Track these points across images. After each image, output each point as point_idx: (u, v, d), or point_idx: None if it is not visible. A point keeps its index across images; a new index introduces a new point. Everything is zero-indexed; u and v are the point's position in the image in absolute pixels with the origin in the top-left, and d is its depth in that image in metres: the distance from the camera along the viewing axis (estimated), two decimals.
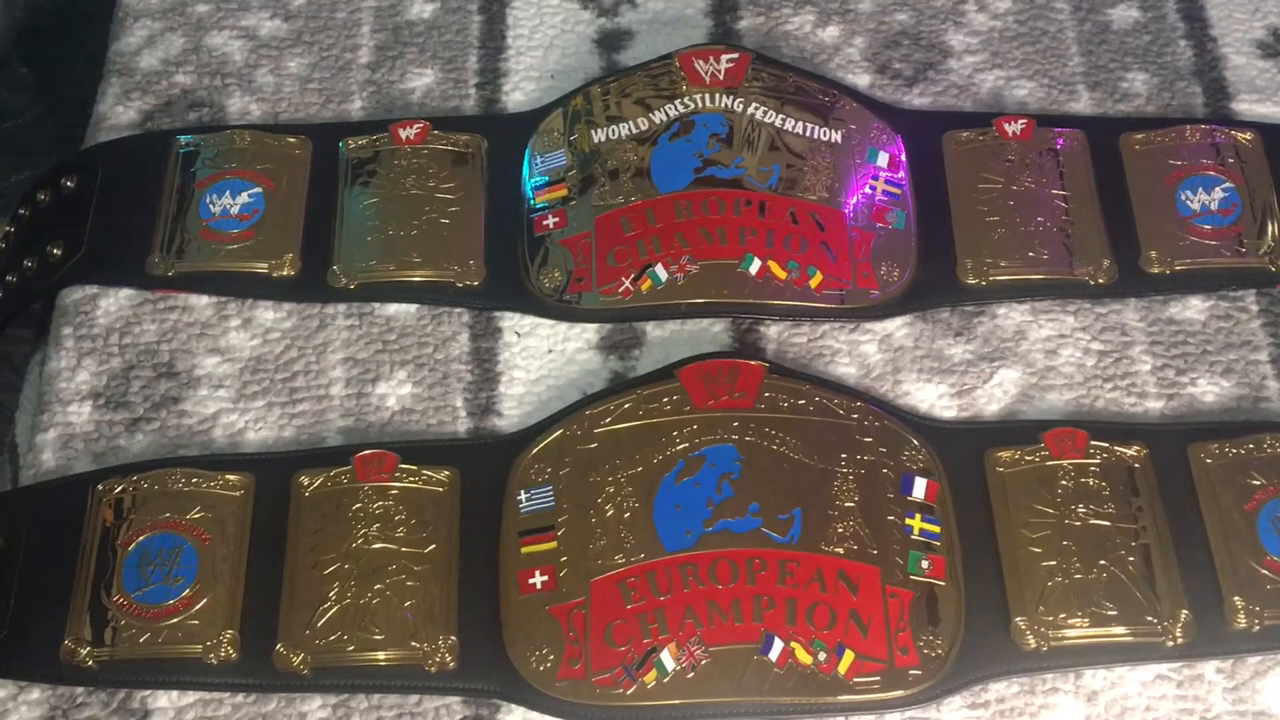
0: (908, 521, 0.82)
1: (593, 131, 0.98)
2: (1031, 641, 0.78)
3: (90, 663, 0.79)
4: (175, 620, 0.80)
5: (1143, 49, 1.04)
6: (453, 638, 0.79)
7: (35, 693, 0.80)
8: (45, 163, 1.02)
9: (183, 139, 0.98)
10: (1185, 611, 0.79)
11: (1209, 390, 0.89)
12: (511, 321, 0.93)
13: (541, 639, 0.79)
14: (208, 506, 0.83)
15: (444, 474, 0.84)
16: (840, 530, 0.81)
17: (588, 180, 0.96)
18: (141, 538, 0.82)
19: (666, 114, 0.98)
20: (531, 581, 0.80)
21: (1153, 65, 1.03)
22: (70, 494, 0.84)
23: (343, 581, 0.80)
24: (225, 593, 0.80)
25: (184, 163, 0.97)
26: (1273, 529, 0.81)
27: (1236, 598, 0.79)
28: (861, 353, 0.91)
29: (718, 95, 0.98)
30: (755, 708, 0.77)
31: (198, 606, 0.80)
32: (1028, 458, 0.84)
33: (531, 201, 0.96)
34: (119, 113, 1.02)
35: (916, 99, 1.02)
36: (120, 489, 0.84)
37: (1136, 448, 0.84)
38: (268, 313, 0.93)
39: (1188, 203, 0.94)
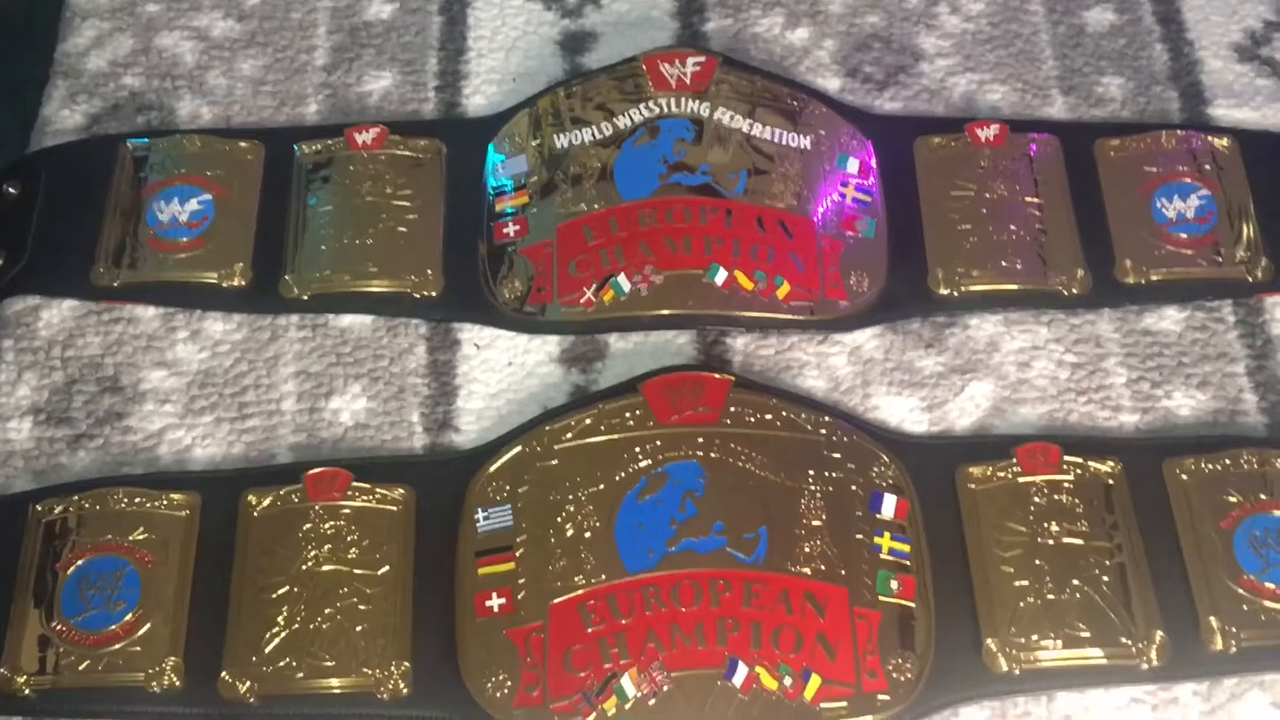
0: (876, 540, 0.80)
1: (556, 136, 0.95)
2: (1003, 664, 0.76)
3: (28, 691, 0.76)
4: (117, 647, 0.77)
5: (1118, 53, 1.02)
6: (406, 664, 0.76)
7: None
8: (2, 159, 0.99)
9: (131, 143, 0.95)
10: (1160, 633, 0.77)
11: (1185, 404, 0.87)
12: (470, 333, 0.90)
13: (498, 664, 0.76)
14: (151, 527, 0.80)
15: (398, 492, 0.82)
16: (807, 550, 0.79)
17: (550, 187, 0.93)
18: (82, 560, 0.79)
19: (631, 118, 0.95)
20: (489, 604, 0.78)
21: (1128, 69, 1.01)
22: (7, 514, 0.81)
23: (292, 605, 0.78)
24: (169, 618, 0.77)
25: (131, 168, 0.94)
26: (1249, 547, 0.79)
27: (1212, 618, 0.77)
28: (830, 365, 0.88)
29: (684, 99, 0.96)
30: None
31: (140, 632, 0.77)
32: (999, 474, 0.82)
33: (492, 208, 0.93)
34: (65, 116, 0.99)
35: (887, 103, 0.99)
36: (60, 509, 0.81)
37: (1110, 463, 0.82)
38: (217, 324, 0.90)
39: (1163, 210, 0.92)
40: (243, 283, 0.90)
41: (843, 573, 0.78)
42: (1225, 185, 0.93)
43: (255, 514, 0.81)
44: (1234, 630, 0.77)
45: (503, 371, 0.89)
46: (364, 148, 0.95)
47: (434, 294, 0.90)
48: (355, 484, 0.81)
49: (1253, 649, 0.77)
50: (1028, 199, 0.93)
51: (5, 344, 0.89)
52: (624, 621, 0.77)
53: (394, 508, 0.81)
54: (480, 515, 0.81)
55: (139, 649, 0.77)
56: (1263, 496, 0.80)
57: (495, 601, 0.78)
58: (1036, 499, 0.81)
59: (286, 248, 0.91)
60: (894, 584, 0.78)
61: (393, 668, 0.76)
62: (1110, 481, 0.81)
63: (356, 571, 0.79)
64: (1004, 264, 0.90)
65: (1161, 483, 0.81)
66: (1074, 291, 0.90)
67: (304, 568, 0.79)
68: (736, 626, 0.76)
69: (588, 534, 0.79)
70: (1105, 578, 0.78)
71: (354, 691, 0.76)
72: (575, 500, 0.80)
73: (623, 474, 0.81)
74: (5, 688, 0.76)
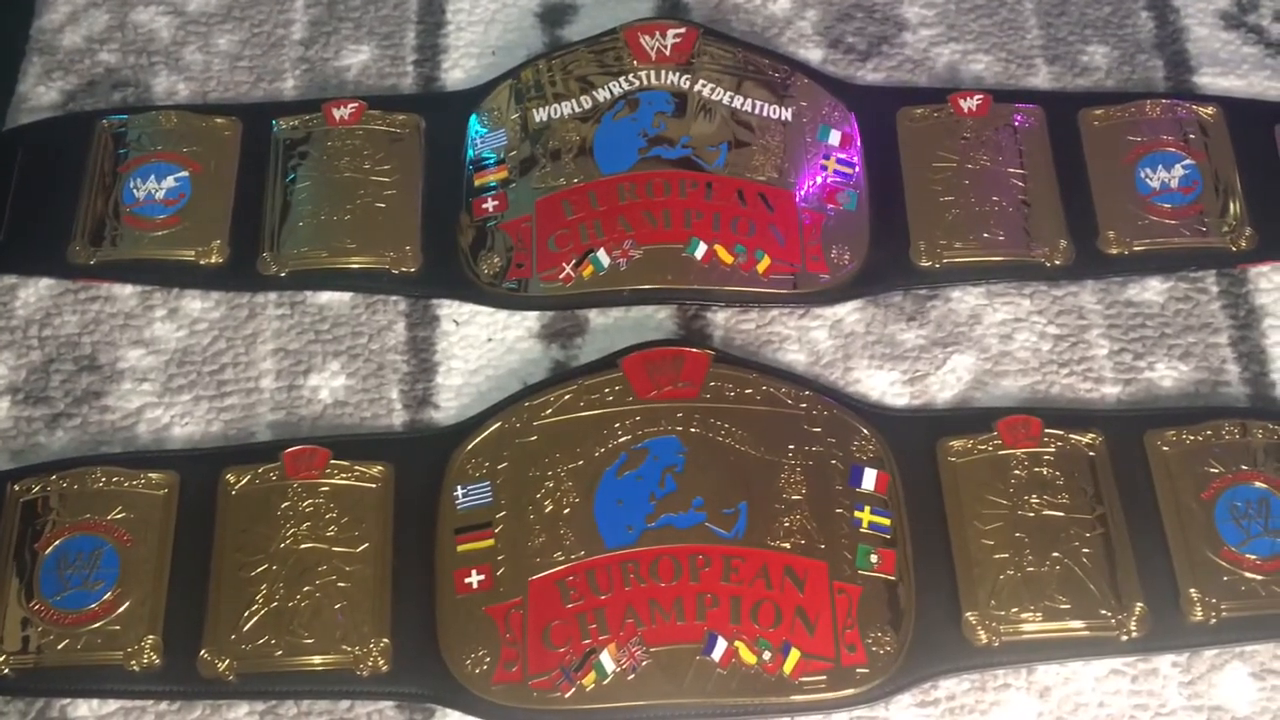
0: (857, 514, 0.79)
1: (536, 110, 0.94)
2: (983, 637, 0.76)
3: (7, 671, 0.76)
4: (96, 626, 0.77)
5: (1103, 21, 1.01)
6: (385, 640, 0.76)
7: None
8: None
9: (106, 120, 0.94)
10: (1140, 604, 0.77)
11: (1167, 375, 0.86)
12: (449, 309, 0.90)
13: (477, 641, 0.76)
14: (130, 506, 0.80)
15: (377, 469, 0.81)
16: (787, 524, 0.79)
17: (529, 161, 0.92)
18: (60, 540, 0.79)
19: (610, 91, 0.94)
20: (468, 581, 0.78)
21: (1113, 38, 1.00)
22: None
23: (270, 583, 0.77)
24: (148, 596, 0.77)
25: (107, 145, 0.93)
26: (1230, 518, 0.79)
27: (1193, 590, 0.77)
28: (811, 339, 0.88)
29: (664, 72, 0.95)
30: (698, 710, 0.75)
31: (119, 611, 0.77)
32: (980, 447, 0.82)
33: (471, 183, 0.92)
34: (40, 93, 0.98)
35: (870, 74, 0.98)
36: (38, 488, 0.81)
37: (1092, 435, 0.82)
38: (195, 302, 0.90)
39: (1147, 180, 0.91)
40: (220, 260, 0.90)
41: (822, 547, 0.78)
42: (1210, 154, 0.92)
43: (234, 492, 0.80)
44: (1214, 601, 0.77)
45: (482, 348, 0.88)
46: (342, 123, 0.94)
47: (413, 270, 0.89)
48: (334, 461, 0.81)
49: (1233, 620, 0.76)
50: (1010, 170, 0.92)
51: None
52: (603, 597, 0.76)
53: (373, 485, 0.81)
54: (459, 492, 0.80)
55: (118, 628, 0.76)
56: (1244, 467, 0.80)
57: (474, 578, 0.78)
58: (1017, 471, 0.81)
59: (264, 224, 0.91)
60: (874, 558, 0.78)
61: (372, 645, 0.76)
62: (1091, 454, 0.81)
63: (335, 549, 0.79)
64: (986, 235, 0.89)
65: (1143, 454, 0.81)
66: (1056, 263, 0.89)
67: (283, 545, 0.79)
68: (715, 601, 0.76)
69: (567, 510, 0.79)
70: (1086, 550, 0.78)
71: (333, 669, 0.76)
72: (554, 476, 0.80)
73: (602, 450, 0.81)
74: None
